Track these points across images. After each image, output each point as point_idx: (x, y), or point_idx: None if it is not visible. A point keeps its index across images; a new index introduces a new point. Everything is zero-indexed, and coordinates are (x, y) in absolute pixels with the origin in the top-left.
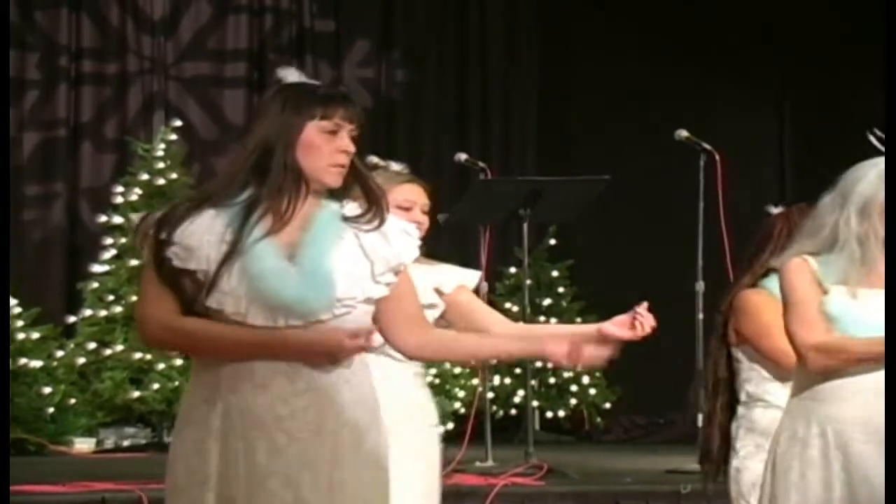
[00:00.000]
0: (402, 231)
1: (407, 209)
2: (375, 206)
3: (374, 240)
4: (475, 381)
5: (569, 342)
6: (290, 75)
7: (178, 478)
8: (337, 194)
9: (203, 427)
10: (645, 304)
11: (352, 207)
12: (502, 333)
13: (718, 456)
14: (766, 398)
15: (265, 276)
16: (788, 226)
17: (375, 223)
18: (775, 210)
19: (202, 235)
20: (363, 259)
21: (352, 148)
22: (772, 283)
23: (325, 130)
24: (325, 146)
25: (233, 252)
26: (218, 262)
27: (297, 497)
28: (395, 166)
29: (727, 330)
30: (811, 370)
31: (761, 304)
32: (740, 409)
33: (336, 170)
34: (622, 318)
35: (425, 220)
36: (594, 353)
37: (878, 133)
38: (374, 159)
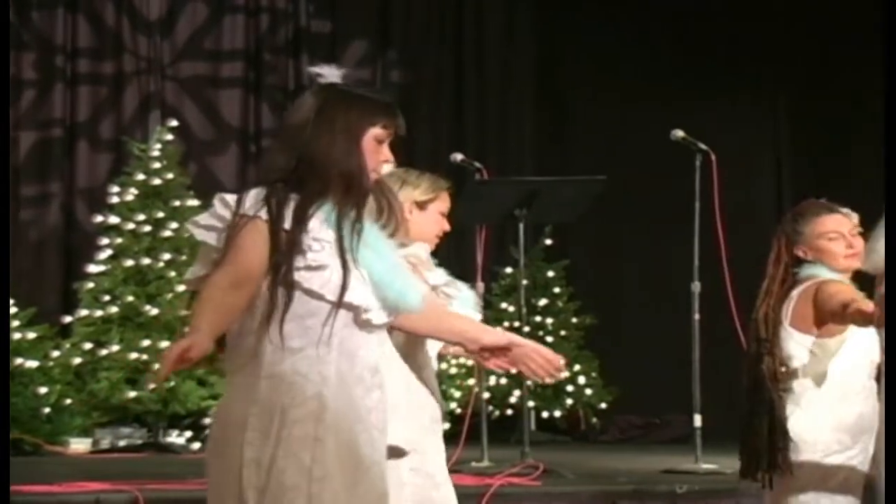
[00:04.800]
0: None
1: (443, 215)
2: (392, 217)
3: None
4: (471, 382)
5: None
6: (333, 75)
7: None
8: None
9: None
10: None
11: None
12: None
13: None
14: None
15: (382, 277)
16: (782, 231)
17: (390, 232)
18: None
19: (324, 229)
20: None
21: (391, 157)
22: (820, 271)
23: (379, 139)
24: (374, 153)
25: (346, 252)
26: (341, 259)
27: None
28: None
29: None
30: None
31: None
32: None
33: (374, 175)
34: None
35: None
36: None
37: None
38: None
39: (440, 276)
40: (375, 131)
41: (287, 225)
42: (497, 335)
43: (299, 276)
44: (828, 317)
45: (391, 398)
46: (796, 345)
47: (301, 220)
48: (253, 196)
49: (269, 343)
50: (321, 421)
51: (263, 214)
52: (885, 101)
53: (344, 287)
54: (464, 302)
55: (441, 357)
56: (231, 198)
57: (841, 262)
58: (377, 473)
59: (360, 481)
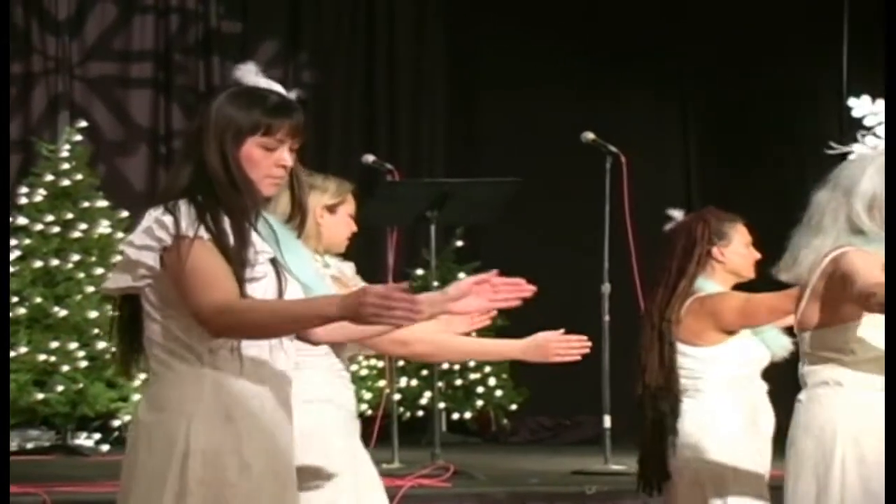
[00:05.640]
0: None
1: (351, 217)
2: (301, 220)
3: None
4: (382, 383)
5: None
6: (248, 75)
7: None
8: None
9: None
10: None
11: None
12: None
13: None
14: None
15: (308, 282)
16: (707, 229)
17: (297, 234)
18: (677, 213)
19: (261, 241)
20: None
21: (289, 162)
22: (704, 284)
23: (266, 147)
24: (264, 160)
25: (277, 260)
26: (274, 267)
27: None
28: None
29: (672, 337)
30: None
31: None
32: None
33: (270, 181)
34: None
35: None
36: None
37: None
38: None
39: None
40: (258, 139)
41: (230, 241)
42: (461, 284)
43: (247, 287)
44: (761, 314)
45: (317, 394)
46: (682, 356)
47: (243, 236)
48: (185, 215)
49: (213, 343)
50: (259, 420)
51: (203, 233)
52: (885, 100)
53: (280, 294)
54: None
55: (351, 359)
56: (168, 220)
57: (750, 271)
58: (295, 483)
59: (288, 487)
